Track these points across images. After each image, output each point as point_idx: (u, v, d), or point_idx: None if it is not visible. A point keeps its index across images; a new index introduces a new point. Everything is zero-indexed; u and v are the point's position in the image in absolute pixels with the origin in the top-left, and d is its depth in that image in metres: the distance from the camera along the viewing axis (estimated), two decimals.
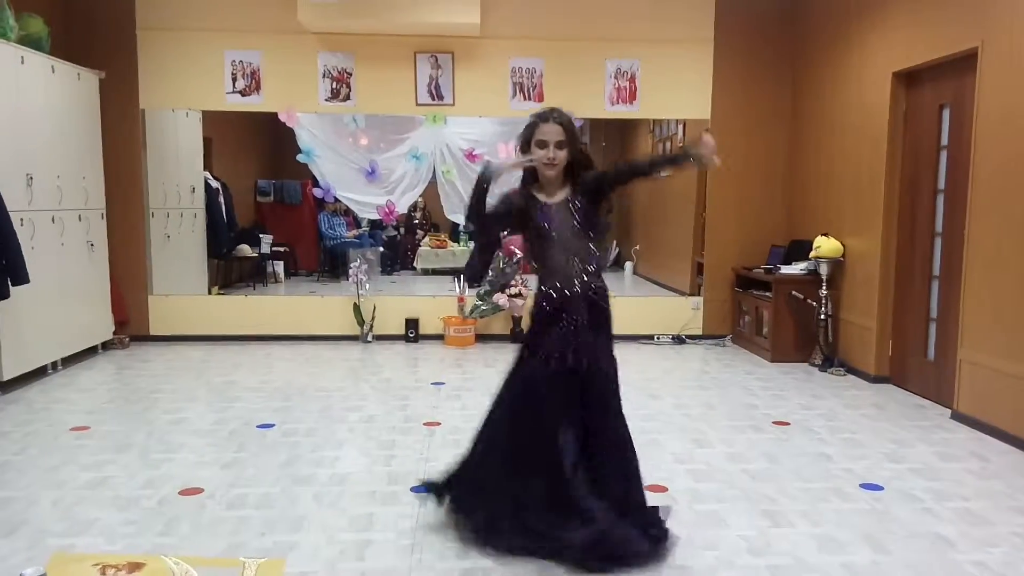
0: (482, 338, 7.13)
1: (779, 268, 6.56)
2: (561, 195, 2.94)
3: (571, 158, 2.92)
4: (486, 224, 3.10)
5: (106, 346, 6.60)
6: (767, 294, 6.49)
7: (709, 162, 2.83)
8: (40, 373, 5.61)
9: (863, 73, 5.82)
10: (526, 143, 2.93)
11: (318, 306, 7.37)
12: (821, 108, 6.52)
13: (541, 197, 2.95)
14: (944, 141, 5.12)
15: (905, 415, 4.87)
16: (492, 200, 2.98)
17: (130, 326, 6.93)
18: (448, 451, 3.84)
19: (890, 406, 5.09)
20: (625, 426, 3.02)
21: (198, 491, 3.52)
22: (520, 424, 2.94)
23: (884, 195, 5.53)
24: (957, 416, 4.72)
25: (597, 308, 2.93)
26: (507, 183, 3.03)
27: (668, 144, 9.09)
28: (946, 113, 5.10)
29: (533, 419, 2.90)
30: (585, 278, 2.90)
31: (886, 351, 5.65)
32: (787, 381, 5.74)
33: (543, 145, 2.87)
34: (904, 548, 3.00)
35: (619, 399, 3.02)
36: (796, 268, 6.41)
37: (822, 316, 6.09)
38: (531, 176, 2.99)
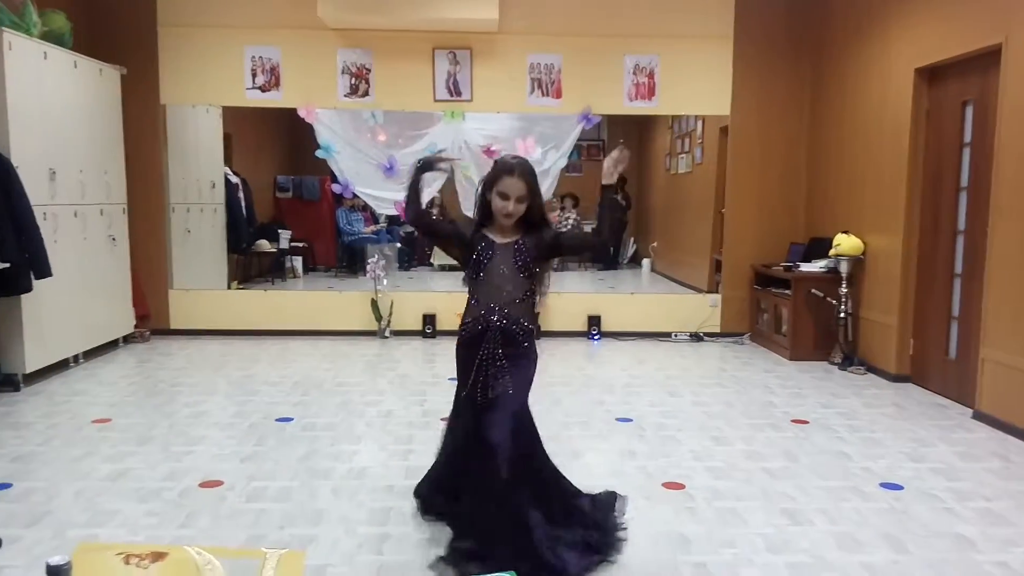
0: None
1: (798, 266, 6.52)
2: (511, 238, 2.92)
3: (528, 208, 2.89)
4: (428, 224, 3.13)
5: (127, 339, 6.66)
6: (786, 292, 6.45)
7: (618, 164, 2.89)
8: (62, 366, 5.68)
9: (885, 69, 5.76)
10: (488, 187, 2.91)
11: (336, 301, 7.40)
12: (842, 104, 6.46)
13: (491, 235, 2.93)
14: (967, 138, 5.07)
15: (926, 414, 4.83)
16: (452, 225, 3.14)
17: (151, 320, 7.00)
18: None
19: (910, 405, 5.05)
20: (534, 455, 3.00)
21: (218, 484, 3.55)
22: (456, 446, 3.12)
23: (906, 192, 5.48)
24: (979, 415, 4.67)
25: (515, 343, 2.89)
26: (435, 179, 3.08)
27: (687, 140, 9.04)
28: (969, 110, 5.05)
29: (461, 443, 3.05)
30: (508, 312, 2.87)
31: (907, 350, 5.60)
32: (806, 379, 5.71)
33: (504, 197, 2.84)
34: (924, 548, 2.98)
35: (525, 431, 2.96)
36: (816, 266, 6.37)
37: (842, 314, 6.04)
38: (487, 217, 2.96)
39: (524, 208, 2.87)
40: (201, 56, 6.85)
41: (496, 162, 2.97)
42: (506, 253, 2.89)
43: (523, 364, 2.93)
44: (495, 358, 2.87)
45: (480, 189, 2.96)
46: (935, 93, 5.36)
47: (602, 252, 2.70)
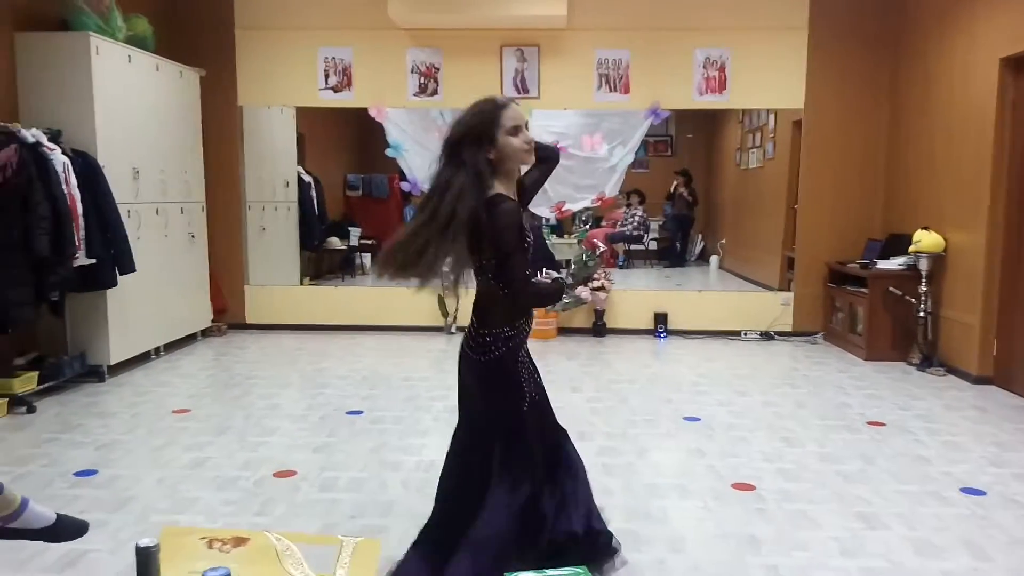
0: (564, 331, 7.13)
1: (876, 263, 6.33)
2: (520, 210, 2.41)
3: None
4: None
5: (205, 333, 6.88)
6: (862, 290, 6.27)
7: None
8: (144, 358, 5.90)
9: (969, 59, 5.55)
10: (486, 139, 2.26)
11: (403, 297, 7.47)
12: (923, 95, 6.25)
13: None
14: None
15: (1009, 418, 4.64)
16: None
17: (228, 314, 7.21)
18: None
19: (993, 408, 4.85)
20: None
21: (292, 473, 3.64)
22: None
23: (990, 187, 5.27)
24: None
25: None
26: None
27: (758, 134, 8.86)
28: None
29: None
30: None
31: (990, 350, 5.38)
32: (883, 380, 5.54)
33: (518, 131, 2.30)
34: (1007, 555, 2.87)
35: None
36: (894, 263, 6.17)
37: (921, 313, 5.84)
38: (489, 176, 2.29)
39: None
40: (276, 58, 7.03)
41: (469, 112, 2.31)
42: (535, 231, 2.53)
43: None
44: (529, 360, 2.55)
45: (472, 151, 2.24)
46: (1022, 83, 5.14)
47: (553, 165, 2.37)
